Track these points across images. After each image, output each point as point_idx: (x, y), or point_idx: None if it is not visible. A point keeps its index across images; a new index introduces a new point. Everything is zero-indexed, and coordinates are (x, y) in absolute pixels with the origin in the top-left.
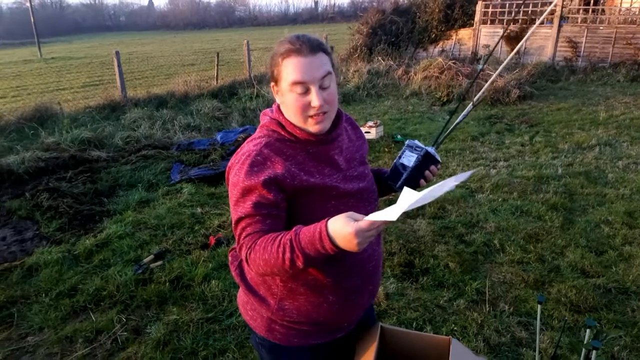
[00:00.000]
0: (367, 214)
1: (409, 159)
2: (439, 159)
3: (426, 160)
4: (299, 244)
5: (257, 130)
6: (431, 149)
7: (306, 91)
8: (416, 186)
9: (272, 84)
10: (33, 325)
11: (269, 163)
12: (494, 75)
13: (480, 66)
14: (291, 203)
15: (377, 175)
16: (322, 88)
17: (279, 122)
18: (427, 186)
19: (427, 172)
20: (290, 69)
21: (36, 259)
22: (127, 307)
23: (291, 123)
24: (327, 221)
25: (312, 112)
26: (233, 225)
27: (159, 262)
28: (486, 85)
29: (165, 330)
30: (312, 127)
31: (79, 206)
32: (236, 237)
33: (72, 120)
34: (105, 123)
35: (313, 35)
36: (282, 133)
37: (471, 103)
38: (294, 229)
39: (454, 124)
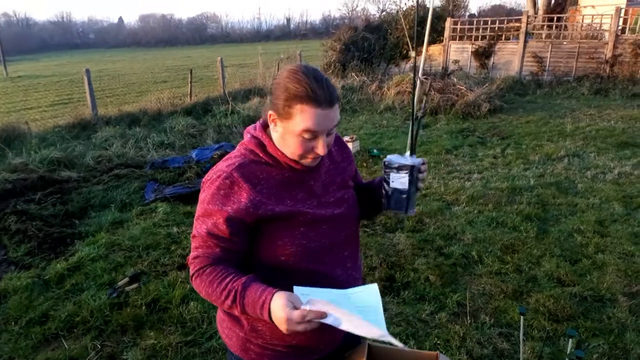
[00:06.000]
0: (341, 240)
1: (400, 181)
2: (421, 161)
3: (415, 172)
4: (241, 300)
5: (237, 147)
6: (416, 161)
7: (314, 137)
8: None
9: (271, 112)
10: (2, 355)
11: (236, 188)
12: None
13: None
14: (255, 229)
15: (369, 189)
16: (328, 134)
17: (259, 142)
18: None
19: (420, 175)
20: (305, 117)
21: (4, 285)
22: (102, 332)
23: (275, 145)
24: (273, 295)
25: (312, 156)
26: (191, 235)
27: (135, 285)
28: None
29: (143, 355)
30: (306, 163)
31: (49, 229)
32: (191, 250)
33: (40, 140)
34: (75, 142)
35: (330, 82)
36: (260, 155)
37: (424, 94)
38: (243, 282)
39: (418, 121)
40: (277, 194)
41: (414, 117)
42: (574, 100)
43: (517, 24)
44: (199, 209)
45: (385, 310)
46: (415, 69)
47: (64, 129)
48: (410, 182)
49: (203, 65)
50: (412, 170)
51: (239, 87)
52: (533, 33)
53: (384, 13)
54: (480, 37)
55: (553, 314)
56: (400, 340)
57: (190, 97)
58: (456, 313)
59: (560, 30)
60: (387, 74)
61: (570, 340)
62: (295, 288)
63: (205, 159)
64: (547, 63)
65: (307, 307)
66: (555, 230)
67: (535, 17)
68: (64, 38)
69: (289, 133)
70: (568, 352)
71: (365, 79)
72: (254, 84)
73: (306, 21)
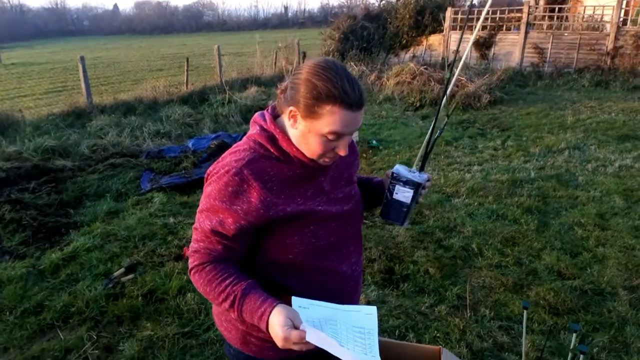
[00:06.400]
0: (349, 236)
1: (404, 194)
2: (427, 177)
3: (420, 189)
4: (239, 307)
5: (244, 139)
6: (423, 178)
7: (337, 138)
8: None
9: (293, 108)
10: None
11: (245, 186)
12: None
13: (447, 74)
14: (263, 229)
15: (366, 186)
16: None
17: (270, 136)
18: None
19: (423, 192)
20: (334, 119)
21: None
22: (98, 323)
23: (287, 139)
24: (272, 308)
25: (331, 155)
26: (193, 227)
27: (131, 276)
28: (447, 91)
29: (139, 347)
30: (323, 162)
31: (44, 218)
32: (191, 241)
33: (34, 128)
34: (70, 131)
35: (359, 81)
36: (271, 150)
37: (446, 115)
38: (243, 288)
39: (433, 140)
40: (287, 192)
41: (431, 135)
42: (574, 92)
43: (518, 15)
44: (204, 202)
45: (384, 302)
46: (450, 74)
47: (58, 117)
48: (412, 198)
49: (199, 53)
50: (418, 188)
51: (236, 76)
52: (534, 24)
53: (383, 2)
54: (480, 27)
55: (553, 308)
56: (400, 333)
57: (187, 85)
58: (456, 306)
59: (561, 21)
60: (386, 64)
61: (574, 334)
62: (294, 299)
63: (201, 148)
64: (548, 54)
65: (306, 331)
66: (556, 223)
67: (537, 8)
68: (58, 25)
69: (312, 132)
70: (571, 347)
71: (365, 68)
72: (252, 72)
73: (304, 9)
